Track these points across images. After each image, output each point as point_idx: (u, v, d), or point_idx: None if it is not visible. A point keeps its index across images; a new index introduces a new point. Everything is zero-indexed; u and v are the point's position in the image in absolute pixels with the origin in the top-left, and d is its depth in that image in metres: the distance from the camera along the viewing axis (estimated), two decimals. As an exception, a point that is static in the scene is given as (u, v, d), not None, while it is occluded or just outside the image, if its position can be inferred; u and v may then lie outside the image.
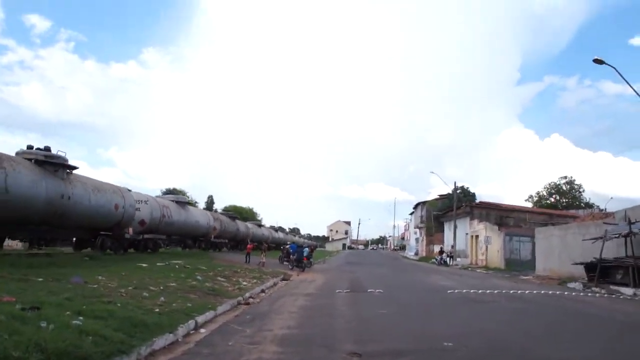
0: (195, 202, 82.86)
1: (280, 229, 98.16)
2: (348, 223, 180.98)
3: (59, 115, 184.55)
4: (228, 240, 49.99)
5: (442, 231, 64.18)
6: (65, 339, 6.47)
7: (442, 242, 62.08)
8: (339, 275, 28.63)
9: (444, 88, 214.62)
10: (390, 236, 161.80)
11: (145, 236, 31.01)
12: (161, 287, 14.22)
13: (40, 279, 12.64)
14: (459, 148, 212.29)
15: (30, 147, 20.56)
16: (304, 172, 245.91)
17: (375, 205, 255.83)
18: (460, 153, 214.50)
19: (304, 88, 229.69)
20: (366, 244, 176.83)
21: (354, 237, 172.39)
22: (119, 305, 10.00)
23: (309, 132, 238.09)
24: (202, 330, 9.94)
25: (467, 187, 72.35)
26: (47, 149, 20.93)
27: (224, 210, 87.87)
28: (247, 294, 16.08)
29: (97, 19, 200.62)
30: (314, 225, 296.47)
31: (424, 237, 76.82)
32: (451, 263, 48.74)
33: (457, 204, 53.59)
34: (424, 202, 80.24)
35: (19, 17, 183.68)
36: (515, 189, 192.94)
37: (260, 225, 71.10)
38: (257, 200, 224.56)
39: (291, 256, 32.51)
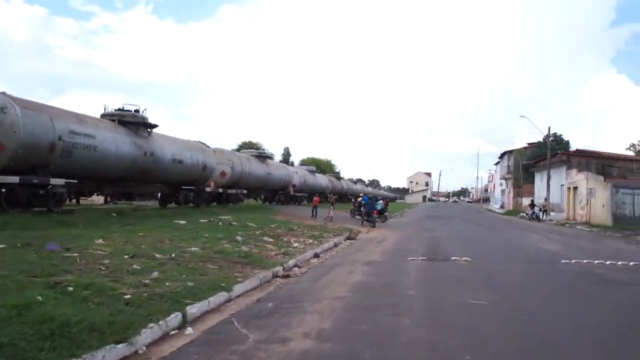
0: (271, 154, 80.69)
1: (360, 181, 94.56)
2: (428, 174, 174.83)
3: (142, 75, 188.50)
4: (308, 194, 47.87)
5: (532, 182, 58.02)
6: None
7: (531, 194, 56.07)
8: (415, 233, 24.32)
9: (528, 34, 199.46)
10: (472, 188, 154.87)
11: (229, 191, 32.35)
12: (172, 255, 10.74)
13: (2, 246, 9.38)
14: (544, 97, 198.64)
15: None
16: (383, 123, 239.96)
17: (456, 156, 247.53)
18: (545, 103, 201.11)
19: (382, 37, 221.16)
20: (447, 195, 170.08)
21: (435, 189, 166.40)
22: (53, 295, 6.41)
23: (388, 82, 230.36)
24: (189, 331, 6.30)
25: (560, 135, 64.71)
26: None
27: (301, 162, 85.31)
28: (292, 261, 12.37)
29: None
30: (393, 177, 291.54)
31: (511, 189, 70.57)
32: (544, 218, 43.06)
33: (552, 152, 47.28)
34: (511, 151, 73.25)
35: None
36: (612, 139, 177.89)
37: (339, 178, 69.21)
38: (336, 152, 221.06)
39: (362, 209, 28.64)
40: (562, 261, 13.78)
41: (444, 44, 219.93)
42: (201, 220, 18.99)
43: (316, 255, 14.46)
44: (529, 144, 68.61)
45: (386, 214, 32.52)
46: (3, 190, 15.69)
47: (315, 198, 31.89)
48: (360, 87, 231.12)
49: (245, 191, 34.37)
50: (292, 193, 42.79)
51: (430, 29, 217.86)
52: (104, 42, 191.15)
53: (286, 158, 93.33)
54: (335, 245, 17.59)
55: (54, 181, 16.82)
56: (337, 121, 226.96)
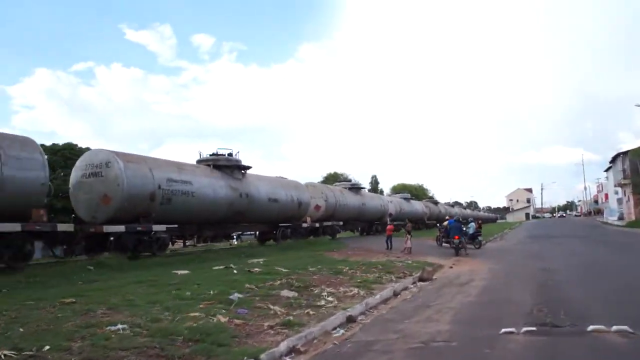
0: (359, 184, 76.71)
1: (457, 204, 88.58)
2: (529, 190, 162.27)
3: (233, 120, 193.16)
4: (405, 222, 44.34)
5: (657, 186, 48.50)
6: None
7: (657, 199, 46.60)
8: (517, 264, 17.57)
9: (614, 34, 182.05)
10: (579, 201, 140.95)
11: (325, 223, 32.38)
12: (44, 348, 5.62)
13: None
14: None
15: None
16: (475, 144, 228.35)
17: (556, 169, 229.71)
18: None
19: (466, 57, 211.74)
20: (552, 211, 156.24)
21: (537, 205, 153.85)
22: None
23: (476, 101, 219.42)
24: None
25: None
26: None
27: (392, 189, 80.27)
28: (286, 344, 6.99)
29: (253, 27, 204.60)
30: (492, 196, 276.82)
31: (630, 197, 60.49)
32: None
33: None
34: (624, 152, 62.98)
35: (188, 39, 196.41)
36: None
37: (436, 203, 65.96)
38: (427, 176, 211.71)
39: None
40: None
41: (529, 54, 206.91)
42: (215, 268, 14.00)
43: (350, 320, 8.80)
44: (646, 142, 58.80)
45: (480, 238, 26.12)
46: (112, 238, 16.49)
47: (388, 226, 25.92)
48: (448, 109, 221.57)
49: (341, 223, 34.26)
50: (389, 222, 38.93)
51: (510, 40, 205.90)
52: (194, 94, 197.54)
53: (374, 187, 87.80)
54: (395, 294, 11.80)
55: (156, 227, 17.61)
56: (426, 146, 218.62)
